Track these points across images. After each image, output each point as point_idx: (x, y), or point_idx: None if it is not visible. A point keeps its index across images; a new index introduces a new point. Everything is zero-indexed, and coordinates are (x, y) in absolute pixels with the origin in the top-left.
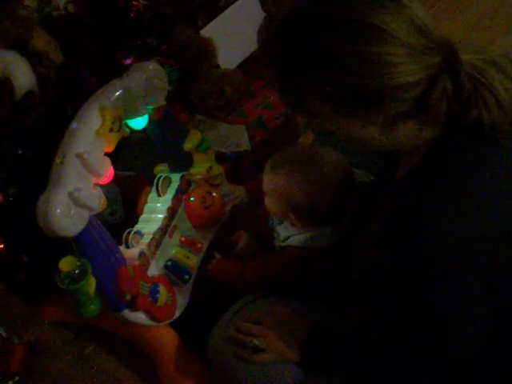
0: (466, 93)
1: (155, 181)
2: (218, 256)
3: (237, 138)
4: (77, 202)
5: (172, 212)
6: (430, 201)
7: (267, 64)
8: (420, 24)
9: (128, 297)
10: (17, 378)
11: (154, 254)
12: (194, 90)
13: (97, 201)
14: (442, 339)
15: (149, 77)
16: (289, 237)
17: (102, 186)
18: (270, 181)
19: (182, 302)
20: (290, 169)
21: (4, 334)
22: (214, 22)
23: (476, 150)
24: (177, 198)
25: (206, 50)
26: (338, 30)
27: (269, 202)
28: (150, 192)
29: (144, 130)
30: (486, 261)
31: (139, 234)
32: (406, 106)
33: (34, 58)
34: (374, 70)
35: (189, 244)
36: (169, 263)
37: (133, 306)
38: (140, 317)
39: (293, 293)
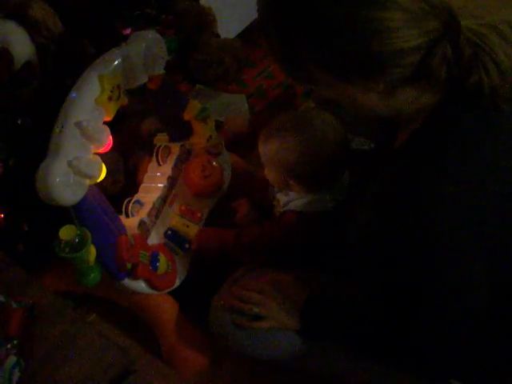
0: (466, 58)
1: (155, 150)
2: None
3: (237, 107)
4: (76, 171)
5: (172, 181)
6: (431, 166)
7: (265, 32)
8: None
9: (128, 265)
10: (15, 342)
11: (154, 223)
12: (194, 60)
13: (96, 169)
14: (442, 307)
15: (148, 46)
16: (288, 202)
17: (103, 155)
18: (264, 149)
19: (182, 270)
20: (283, 134)
21: (2, 299)
22: None
23: (476, 115)
24: (176, 168)
25: (205, 20)
26: None
27: (267, 172)
28: (150, 161)
29: (144, 99)
30: (487, 229)
31: (139, 203)
32: (405, 71)
33: (33, 28)
34: (373, 35)
35: (188, 213)
36: (169, 232)
37: (133, 274)
38: (140, 285)
39: (291, 261)
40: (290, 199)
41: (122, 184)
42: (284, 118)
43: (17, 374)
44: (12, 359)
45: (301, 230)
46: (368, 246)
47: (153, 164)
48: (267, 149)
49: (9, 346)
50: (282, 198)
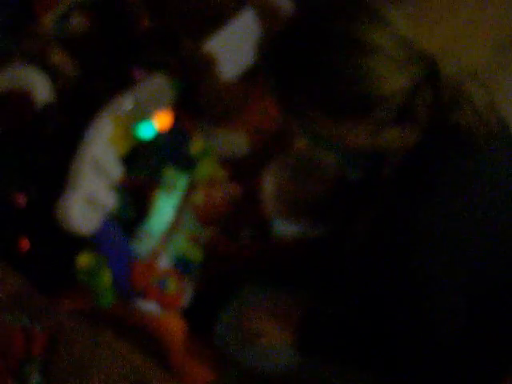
0: (445, 101)
1: (164, 182)
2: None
3: (237, 143)
4: (92, 203)
5: (179, 210)
6: (413, 200)
7: (265, 74)
8: (404, 38)
9: (140, 288)
10: (38, 362)
11: (164, 248)
12: (197, 101)
13: (110, 201)
14: (429, 327)
15: (157, 88)
16: (286, 229)
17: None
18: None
19: (189, 291)
20: (281, 174)
21: (27, 322)
22: (214, 37)
23: (454, 154)
24: (183, 197)
25: (208, 64)
26: (327, 45)
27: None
28: (159, 191)
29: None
30: (468, 257)
31: (150, 230)
32: (390, 113)
33: (52, 73)
34: (361, 81)
35: (195, 239)
36: (177, 256)
37: (144, 296)
38: (151, 306)
39: (287, 281)
40: (287, 227)
41: (133, 214)
42: (284, 158)
43: None
44: (36, 378)
45: (299, 254)
46: (360, 269)
47: (161, 193)
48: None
49: (33, 365)
50: (278, 225)
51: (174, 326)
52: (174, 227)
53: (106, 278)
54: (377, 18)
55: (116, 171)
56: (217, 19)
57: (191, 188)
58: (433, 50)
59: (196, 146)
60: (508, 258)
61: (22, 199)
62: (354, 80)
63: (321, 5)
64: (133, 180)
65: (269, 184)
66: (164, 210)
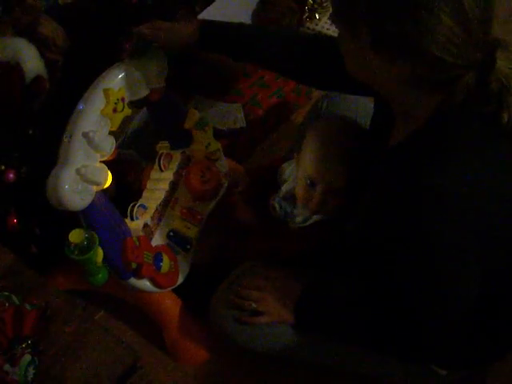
0: (490, 92)
1: (157, 157)
2: None
3: (233, 115)
4: (84, 178)
5: (173, 186)
6: (430, 164)
7: None
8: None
9: (133, 265)
10: (29, 341)
11: (157, 225)
12: (192, 72)
13: (102, 176)
14: (436, 297)
15: (150, 59)
16: (311, 216)
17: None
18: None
19: (183, 269)
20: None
21: (17, 301)
22: (210, 7)
23: (482, 132)
24: (178, 173)
25: None
26: None
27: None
28: (153, 168)
29: (146, 110)
30: (479, 224)
31: (143, 207)
32: (429, 76)
33: (42, 45)
34: (420, 25)
35: (189, 216)
36: (171, 234)
37: (138, 274)
38: (145, 284)
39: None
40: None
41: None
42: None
43: (31, 372)
44: (27, 358)
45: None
46: (368, 235)
47: (155, 170)
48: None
49: (24, 345)
50: (301, 213)
51: (169, 304)
52: (168, 203)
53: (98, 255)
54: None
55: (108, 146)
56: None
57: (186, 162)
58: (495, 37)
59: (191, 118)
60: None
61: (11, 174)
62: (417, 23)
63: None
64: (126, 155)
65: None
66: (158, 185)
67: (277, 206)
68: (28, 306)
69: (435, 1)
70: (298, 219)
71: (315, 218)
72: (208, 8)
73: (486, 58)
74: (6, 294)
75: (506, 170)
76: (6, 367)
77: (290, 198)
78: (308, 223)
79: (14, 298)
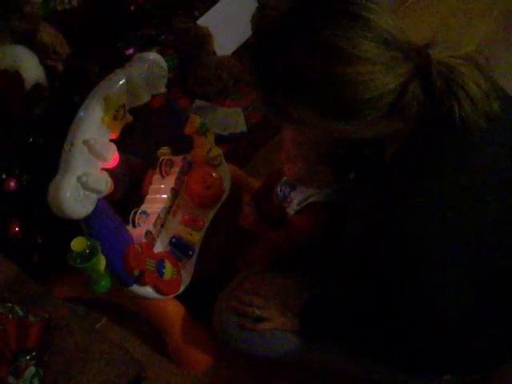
0: (438, 90)
1: (158, 163)
2: None
3: (234, 120)
4: (85, 186)
5: (175, 192)
6: (408, 184)
7: (249, 72)
8: (388, 37)
9: (136, 273)
10: (34, 353)
11: (160, 232)
12: (193, 77)
13: (104, 184)
14: (428, 307)
15: (150, 66)
16: (307, 198)
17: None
18: (293, 142)
19: (186, 276)
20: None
21: (20, 313)
22: (209, 12)
23: (446, 142)
24: (179, 179)
25: (203, 39)
26: (309, 52)
27: (296, 167)
28: (154, 174)
29: (147, 116)
30: (462, 239)
31: (145, 213)
32: (380, 112)
33: (42, 52)
34: (347, 88)
35: (191, 222)
36: (173, 240)
37: (141, 281)
38: (148, 291)
39: (290, 266)
40: (309, 194)
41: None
42: None
43: None
44: (31, 370)
45: (325, 219)
46: (358, 246)
47: (157, 176)
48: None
49: (28, 357)
50: (297, 195)
51: (172, 311)
52: (170, 209)
53: (101, 263)
54: (358, 21)
55: (109, 153)
56: None
57: (187, 168)
58: (424, 37)
59: (192, 124)
60: (504, 238)
61: (12, 183)
62: (338, 88)
63: (301, 10)
64: (127, 161)
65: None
66: (159, 191)
67: (278, 189)
68: (32, 318)
69: (353, 49)
70: (295, 201)
71: (310, 200)
72: (207, 13)
73: (418, 60)
74: (9, 305)
75: (481, 173)
76: (11, 380)
77: (290, 183)
78: (303, 205)
79: (18, 309)
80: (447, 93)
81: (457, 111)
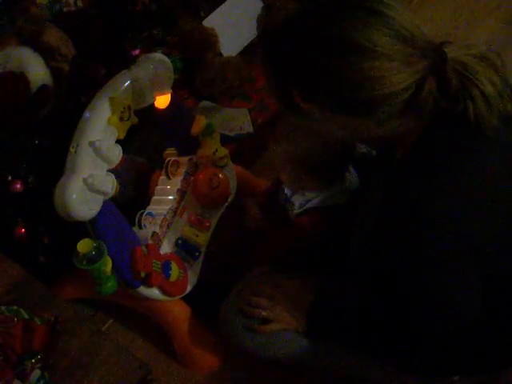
0: (453, 88)
1: (165, 164)
2: None
3: (240, 121)
4: (91, 188)
5: (181, 193)
6: (420, 183)
7: (263, 66)
8: (405, 34)
9: (142, 274)
10: (39, 356)
11: (166, 233)
12: (199, 78)
13: (110, 186)
14: (436, 307)
15: (155, 67)
16: (306, 202)
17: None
18: (278, 152)
19: (192, 277)
20: (291, 134)
21: (26, 316)
22: (215, 12)
23: (460, 141)
24: (185, 180)
25: (209, 40)
26: (324, 47)
27: (284, 175)
28: (161, 175)
29: (153, 117)
30: (474, 238)
31: (151, 215)
32: (395, 109)
33: (47, 53)
34: (363, 84)
35: (197, 223)
36: (179, 241)
37: (147, 282)
38: (154, 292)
39: (296, 267)
40: (308, 199)
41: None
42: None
43: None
44: (37, 373)
45: (323, 224)
46: (370, 245)
47: (163, 177)
48: (280, 150)
49: (33, 360)
50: (297, 199)
51: (178, 313)
52: (176, 210)
53: (107, 264)
54: (376, 17)
55: (115, 154)
56: None
57: (194, 169)
58: (431, 35)
59: (198, 125)
60: None
61: (18, 184)
62: (354, 83)
63: (317, 2)
64: (133, 162)
65: (282, 151)
66: (166, 192)
67: (281, 191)
68: (38, 320)
69: (370, 44)
70: (296, 205)
71: (309, 204)
72: (213, 13)
73: (433, 58)
74: (15, 308)
75: (495, 172)
76: (16, 382)
77: None
78: (304, 209)
79: (23, 312)
80: (462, 91)
81: (471, 109)
